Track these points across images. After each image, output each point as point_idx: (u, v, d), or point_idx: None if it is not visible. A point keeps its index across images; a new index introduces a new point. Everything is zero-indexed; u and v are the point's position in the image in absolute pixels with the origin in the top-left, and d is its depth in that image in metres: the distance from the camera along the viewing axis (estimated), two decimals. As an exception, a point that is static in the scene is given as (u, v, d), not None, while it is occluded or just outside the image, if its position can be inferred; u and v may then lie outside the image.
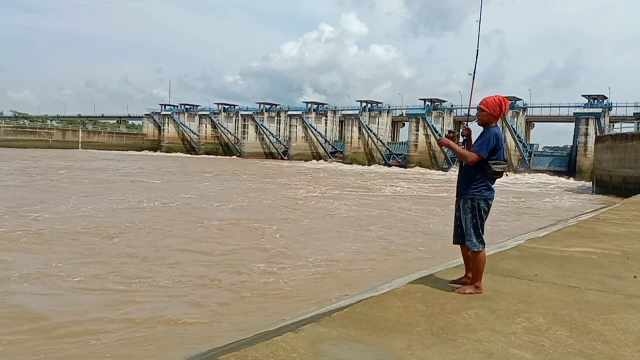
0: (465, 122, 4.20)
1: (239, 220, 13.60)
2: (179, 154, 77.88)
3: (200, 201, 17.80)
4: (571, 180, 45.66)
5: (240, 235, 11.50)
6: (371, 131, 64.75)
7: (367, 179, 37.59)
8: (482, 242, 3.70)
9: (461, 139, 3.93)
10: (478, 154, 3.62)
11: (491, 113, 3.69)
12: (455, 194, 3.90)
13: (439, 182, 36.39)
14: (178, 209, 15.46)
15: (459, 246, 4.00)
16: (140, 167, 39.76)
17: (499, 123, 3.81)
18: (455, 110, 61.17)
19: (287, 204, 18.25)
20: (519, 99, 57.70)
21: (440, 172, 51.86)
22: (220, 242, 10.69)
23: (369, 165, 61.93)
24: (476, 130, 3.84)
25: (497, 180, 3.78)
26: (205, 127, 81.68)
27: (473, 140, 3.79)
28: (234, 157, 74.57)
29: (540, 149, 60.50)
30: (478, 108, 3.77)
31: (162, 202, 17.01)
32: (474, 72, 4.17)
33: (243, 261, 8.90)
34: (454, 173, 50.55)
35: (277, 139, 75.63)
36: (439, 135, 57.09)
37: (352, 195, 22.91)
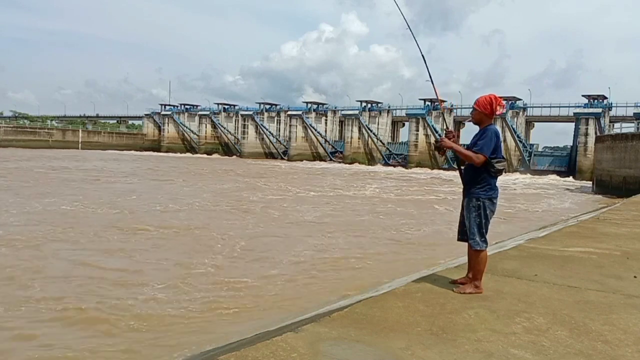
0: (447, 127, 4.27)
1: (179, 228, 12.11)
2: (178, 154, 77.87)
3: (149, 204, 16.36)
4: (571, 180, 45.67)
5: (166, 247, 9.99)
6: (371, 131, 64.77)
7: (356, 179, 36.76)
8: (485, 242, 3.71)
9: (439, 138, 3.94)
10: (483, 154, 3.63)
11: (482, 111, 3.74)
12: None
13: (427, 182, 35.59)
14: (111, 213, 14.04)
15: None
16: (130, 167, 39.45)
17: (499, 123, 3.85)
18: (455, 110, 61.21)
19: (247, 207, 16.69)
20: (519, 99, 57.73)
21: (439, 171, 51.87)
22: (130, 254, 9.19)
23: (369, 165, 61.96)
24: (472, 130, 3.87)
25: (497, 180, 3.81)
26: (205, 127, 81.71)
27: (467, 140, 3.85)
28: (234, 157, 74.63)
29: (540, 149, 60.52)
30: (472, 107, 3.88)
31: (102, 204, 15.62)
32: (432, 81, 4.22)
33: (138, 286, 7.29)
34: (438, 172, 51.17)
35: (277, 139, 75.65)
36: (439, 135, 57.11)
37: (326, 198, 21.23)
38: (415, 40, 4.39)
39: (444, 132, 3.99)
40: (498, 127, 3.83)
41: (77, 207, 14.89)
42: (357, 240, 11.48)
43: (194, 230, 11.98)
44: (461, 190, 3.91)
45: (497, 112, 3.75)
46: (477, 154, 3.63)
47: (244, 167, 48.18)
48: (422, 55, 4.24)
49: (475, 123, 3.81)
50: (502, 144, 3.78)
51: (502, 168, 3.70)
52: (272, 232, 12.26)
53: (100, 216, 13.57)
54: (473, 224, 3.71)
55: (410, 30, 4.47)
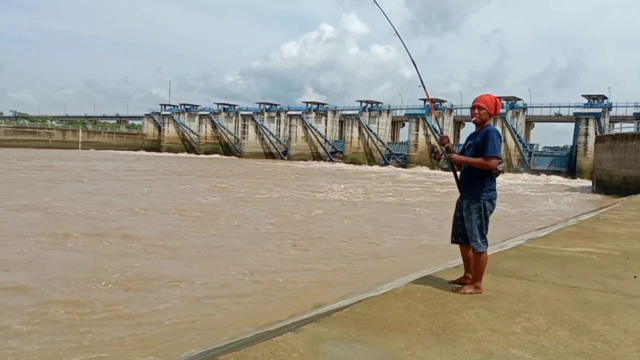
0: (441, 132, 4.34)
1: (99, 233, 11.01)
2: (179, 154, 77.94)
3: (85, 206, 15.16)
4: (571, 180, 45.68)
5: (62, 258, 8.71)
6: (371, 131, 64.80)
7: (342, 179, 35.74)
8: (486, 243, 3.71)
9: (443, 148, 3.92)
10: (496, 157, 3.63)
11: (489, 112, 3.76)
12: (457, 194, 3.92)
13: (413, 183, 34.68)
14: (31, 216, 12.92)
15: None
16: (113, 166, 39.04)
17: (499, 123, 3.89)
18: (455, 110, 61.23)
19: (187, 211, 15.16)
20: (519, 99, 57.76)
21: (435, 171, 51.88)
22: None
23: (369, 165, 62.00)
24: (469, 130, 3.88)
25: (498, 180, 3.81)
26: (205, 127, 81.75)
27: (465, 143, 3.87)
28: (231, 157, 74.70)
29: (540, 149, 60.59)
30: (475, 107, 3.79)
31: (31, 207, 14.40)
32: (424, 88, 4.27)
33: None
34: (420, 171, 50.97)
35: (277, 139, 75.68)
36: (439, 135, 57.03)
37: (289, 200, 19.76)
38: (406, 48, 4.42)
39: (440, 137, 4.00)
40: (496, 127, 3.83)
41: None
42: (290, 257, 9.60)
43: (101, 237, 10.69)
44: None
45: (500, 112, 3.85)
46: (489, 158, 3.62)
47: (235, 167, 47.72)
48: (413, 61, 4.29)
49: (479, 123, 3.78)
50: (502, 144, 3.82)
51: (501, 169, 3.72)
52: (192, 244, 10.53)
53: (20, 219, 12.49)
54: (474, 226, 3.70)
55: (399, 37, 4.51)
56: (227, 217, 14.46)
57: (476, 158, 3.69)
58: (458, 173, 3.88)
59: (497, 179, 3.74)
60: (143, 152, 76.52)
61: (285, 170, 45.36)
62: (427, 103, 59.73)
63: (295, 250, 10.30)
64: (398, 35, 4.51)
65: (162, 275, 7.91)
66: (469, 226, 3.74)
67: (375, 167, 58.95)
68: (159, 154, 76.72)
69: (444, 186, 29.94)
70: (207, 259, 9.30)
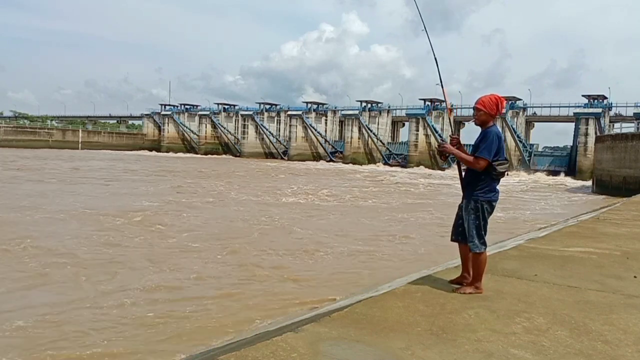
0: (452, 133, 4.32)
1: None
2: (180, 154, 77.94)
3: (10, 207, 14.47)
4: (571, 180, 45.68)
5: None
6: (371, 131, 64.82)
7: (326, 179, 35.01)
8: (484, 244, 3.70)
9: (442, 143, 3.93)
10: (484, 158, 3.60)
11: (488, 112, 3.70)
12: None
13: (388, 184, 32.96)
14: None
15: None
16: (99, 166, 38.72)
17: (499, 123, 3.86)
18: (455, 110, 61.20)
19: (120, 218, 13.70)
20: (519, 99, 57.77)
21: (436, 171, 51.94)
22: None
23: (369, 165, 62.04)
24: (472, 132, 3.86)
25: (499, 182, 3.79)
26: (205, 127, 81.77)
27: (466, 140, 3.86)
28: (226, 155, 74.69)
29: (540, 149, 60.59)
30: (474, 108, 3.80)
31: None
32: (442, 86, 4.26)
33: None
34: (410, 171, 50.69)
35: (277, 139, 75.71)
36: (440, 136, 57.20)
37: (241, 205, 18.02)
38: (431, 46, 4.33)
39: (449, 138, 3.99)
40: (499, 128, 3.80)
41: None
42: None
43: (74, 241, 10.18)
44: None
45: (502, 112, 3.75)
46: (478, 158, 3.62)
47: (226, 166, 47.18)
48: (435, 59, 4.24)
49: (478, 124, 3.77)
50: (502, 145, 3.75)
51: (503, 170, 3.65)
52: (94, 255, 9.37)
53: None
54: (472, 227, 3.70)
55: (426, 32, 4.42)
56: (146, 224, 12.78)
57: (467, 155, 3.70)
58: (463, 174, 3.88)
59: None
60: (143, 152, 76.47)
61: (275, 170, 44.88)
62: (429, 103, 59.81)
63: (182, 272, 8.38)
64: (426, 31, 4.44)
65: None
66: (467, 226, 3.74)
67: (372, 167, 59.01)
68: (158, 153, 76.75)
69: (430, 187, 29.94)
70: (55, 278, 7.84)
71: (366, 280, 7.95)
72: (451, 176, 36.43)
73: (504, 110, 3.78)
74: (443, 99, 4.32)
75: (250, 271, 8.70)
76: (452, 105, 60.98)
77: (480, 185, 3.68)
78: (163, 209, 16.05)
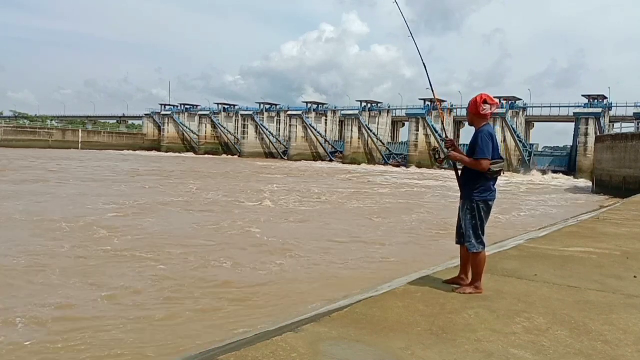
0: (446, 136, 4.32)
1: None
2: (177, 154, 77.94)
3: None
4: (571, 180, 45.68)
5: None
6: (371, 131, 64.83)
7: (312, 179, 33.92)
8: (482, 244, 3.70)
9: (447, 152, 3.94)
10: (485, 158, 3.61)
11: (472, 112, 3.76)
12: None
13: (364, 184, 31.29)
14: None
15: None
16: (83, 166, 37.75)
17: (499, 123, 3.85)
18: (455, 110, 61.24)
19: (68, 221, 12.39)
20: (519, 99, 57.76)
21: (435, 171, 51.91)
22: None
23: (369, 164, 62.06)
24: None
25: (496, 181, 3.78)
26: (205, 127, 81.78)
27: (467, 140, 3.87)
28: (229, 156, 74.67)
29: (540, 149, 60.59)
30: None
31: None
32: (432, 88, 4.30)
33: None
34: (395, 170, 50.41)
35: (277, 139, 75.72)
36: (439, 135, 57.20)
37: (202, 205, 16.97)
38: (419, 51, 4.40)
39: (444, 141, 4.00)
40: (495, 127, 3.79)
41: None
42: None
43: None
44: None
45: (482, 111, 3.69)
46: (479, 160, 3.62)
47: (219, 166, 46.48)
48: (424, 64, 4.27)
49: (470, 125, 3.81)
50: (502, 144, 3.77)
51: (498, 169, 3.66)
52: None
53: None
54: (469, 227, 3.70)
55: (413, 39, 4.48)
56: (90, 230, 11.38)
57: (469, 158, 3.71)
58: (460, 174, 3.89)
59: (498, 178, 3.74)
60: (142, 153, 76.40)
61: (266, 170, 44.26)
62: (429, 103, 59.83)
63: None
64: (412, 36, 4.49)
65: None
66: (463, 226, 3.74)
67: (369, 167, 59.05)
68: (158, 153, 76.73)
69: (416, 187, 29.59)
70: None
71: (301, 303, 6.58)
72: (444, 177, 36.36)
73: (490, 110, 3.71)
74: (442, 99, 4.34)
75: (184, 288, 7.32)
76: (451, 105, 61.05)
77: (475, 185, 3.68)
78: (123, 212, 14.66)
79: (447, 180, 32.97)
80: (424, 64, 4.29)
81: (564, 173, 50.13)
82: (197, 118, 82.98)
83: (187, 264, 8.79)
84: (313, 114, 70.63)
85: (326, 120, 71.48)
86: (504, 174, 3.77)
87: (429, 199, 23.61)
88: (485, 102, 3.68)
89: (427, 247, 11.28)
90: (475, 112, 3.72)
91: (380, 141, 65.34)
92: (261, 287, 7.56)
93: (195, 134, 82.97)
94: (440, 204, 21.14)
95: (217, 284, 7.70)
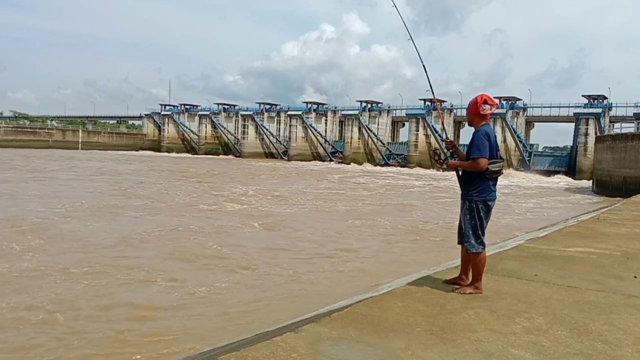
0: (447, 137, 4.33)
1: None
2: (177, 154, 77.92)
3: None
4: (571, 180, 45.68)
5: None
6: (371, 131, 64.83)
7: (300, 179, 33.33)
8: (482, 244, 3.70)
9: (448, 153, 3.97)
10: (481, 157, 3.61)
11: (471, 113, 3.77)
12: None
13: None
14: None
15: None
16: (77, 166, 37.47)
17: (499, 123, 3.86)
18: (455, 110, 61.25)
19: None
20: (519, 99, 57.76)
21: (434, 171, 51.89)
22: None
23: (369, 164, 62.08)
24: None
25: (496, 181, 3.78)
26: (205, 127, 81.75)
27: (467, 140, 3.88)
28: (229, 157, 74.68)
29: (540, 149, 60.58)
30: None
31: None
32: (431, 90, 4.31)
33: None
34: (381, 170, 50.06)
35: (277, 139, 75.72)
36: (439, 135, 57.22)
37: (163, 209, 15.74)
38: (418, 53, 4.42)
39: (445, 142, 4.03)
40: (495, 127, 3.81)
41: None
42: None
43: None
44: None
45: (482, 112, 3.70)
46: (474, 160, 3.62)
47: (213, 166, 46.05)
48: (424, 66, 4.27)
49: (470, 125, 3.82)
50: (502, 144, 3.78)
51: (497, 169, 3.65)
52: None
53: None
54: (468, 227, 3.71)
55: (413, 42, 4.48)
56: (27, 235, 10.60)
57: (467, 161, 3.72)
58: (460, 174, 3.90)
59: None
60: (142, 153, 76.27)
61: (259, 170, 43.79)
62: (429, 103, 59.84)
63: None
64: (412, 39, 4.50)
65: None
66: (463, 226, 3.75)
67: (367, 167, 59.05)
68: (158, 153, 76.69)
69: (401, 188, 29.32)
70: None
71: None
72: (438, 177, 36.01)
73: (490, 111, 3.72)
74: (442, 99, 4.36)
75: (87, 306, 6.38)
76: (451, 105, 61.06)
77: (474, 185, 3.69)
78: (73, 215, 13.65)
79: (440, 180, 32.49)
80: (423, 66, 4.30)
81: (564, 173, 50.12)
82: (197, 118, 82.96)
83: (110, 276, 7.61)
84: (313, 114, 70.62)
85: (326, 120, 71.48)
86: (501, 174, 3.76)
87: (413, 201, 23.19)
88: (485, 102, 3.70)
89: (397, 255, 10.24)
90: (475, 112, 3.74)
91: (380, 141, 65.34)
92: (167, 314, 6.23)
93: (195, 134, 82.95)
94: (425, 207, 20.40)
95: (131, 306, 6.51)
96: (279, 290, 7.47)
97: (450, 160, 3.88)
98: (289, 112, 72.14)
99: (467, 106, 3.86)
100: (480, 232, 3.69)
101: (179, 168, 41.06)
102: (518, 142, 54.44)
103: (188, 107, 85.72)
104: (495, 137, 3.77)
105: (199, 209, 16.15)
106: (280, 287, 7.63)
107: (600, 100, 52.65)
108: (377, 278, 7.37)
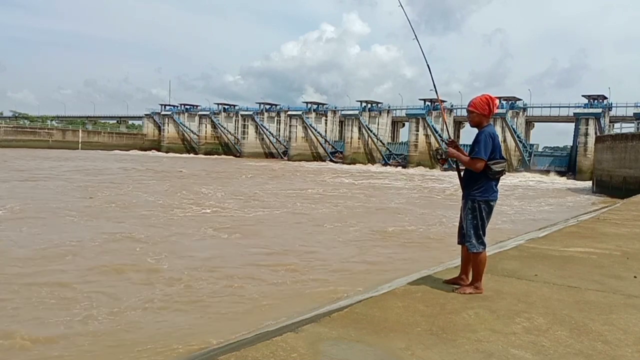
0: (449, 137, 4.30)
1: None
2: (175, 154, 77.92)
3: None
4: (571, 180, 45.69)
5: None
6: (371, 131, 64.85)
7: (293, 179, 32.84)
8: (483, 244, 3.70)
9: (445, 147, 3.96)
10: (480, 159, 3.60)
11: (481, 113, 3.71)
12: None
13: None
14: None
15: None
16: (48, 165, 36.07)
17: (499, 123, 3.86)
18: (455, 110, 61.26)
19: None
20: (519, 99, 57.77)
21: (432, 172, 51.90)
22: None
23: (369, 164, 62.09)
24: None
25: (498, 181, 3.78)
26: (205, 127, 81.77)
27: (467, 140, 3.86)
28: (229, 157, 74.69)
29: (540, 149, 60.61)
30: (467, 111, 3.83)
31: None
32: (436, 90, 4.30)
33: None
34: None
35: (277, 139, 75.74)
36: (439, 135, 57.22)
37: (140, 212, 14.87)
38: (423, 53, 4.37)
39: (447, 141, 4.00)
40: (496, 128, 3.81)
41: None
42: None
43: None
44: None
45: (495, 111, 3.74)
46: (474, 160, 3.62)
47: (205, 166, 45.85)
48: (428, 66, 4.25)
49: (473, 126, 3.78)
50: (502, 144, 3.77)
51: (500, 169, 3.65)
52: None
53: None
54: (469, 227, 3.70)
55: (418, 42, 4.45)
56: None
57: (467, 157, 3.71)
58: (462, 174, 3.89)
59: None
60: (142, 153, 76.28)
61: (253, 170, 43.30)
62: (429, 103, 59.84)
63: None
64: (417, 39, 4.47)
65: None
66: (464, 226, 3.74)
67: (366, 167, 59.06)
68: (159, 153, 76.68)
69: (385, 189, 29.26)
70: None
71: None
72: (432, 178, 35.79)
73: (497, 110, 3.76)
74: (442, 99, 4.35)
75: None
76: (451, 105, 61.06)
77: (476, 185, 3.68)
78: (11, 217, 12.95)
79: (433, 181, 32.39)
80: (428, 66, 4.26)
81: (564, 173, 50.16)
82: (197, 118, 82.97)
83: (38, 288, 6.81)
84: (313, 114, 70.64)
85: (326, 120, 71.49)
86: (504, 174, 3.76)
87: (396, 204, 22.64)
88: (495, 103, 3.72)
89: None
90: (488, 113, 3.70)
91: (380, 141, 65.35)
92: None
93: (195, 134, 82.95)
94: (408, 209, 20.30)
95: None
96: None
97: (450, 149, 3.82)
98: (289, 112, 72.17)
99: (470, 106, 3.74)
100: (481, 232, 3.69)
101: (166, 168, 40.06)
102: (518, 142, 54.46)
103: (188, 107, 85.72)
104: (498, 137, 3.78)
105: (176, 214, 14.78)
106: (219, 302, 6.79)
107: (600, 100, 52.68)
108: (334, 293, 6.83)
